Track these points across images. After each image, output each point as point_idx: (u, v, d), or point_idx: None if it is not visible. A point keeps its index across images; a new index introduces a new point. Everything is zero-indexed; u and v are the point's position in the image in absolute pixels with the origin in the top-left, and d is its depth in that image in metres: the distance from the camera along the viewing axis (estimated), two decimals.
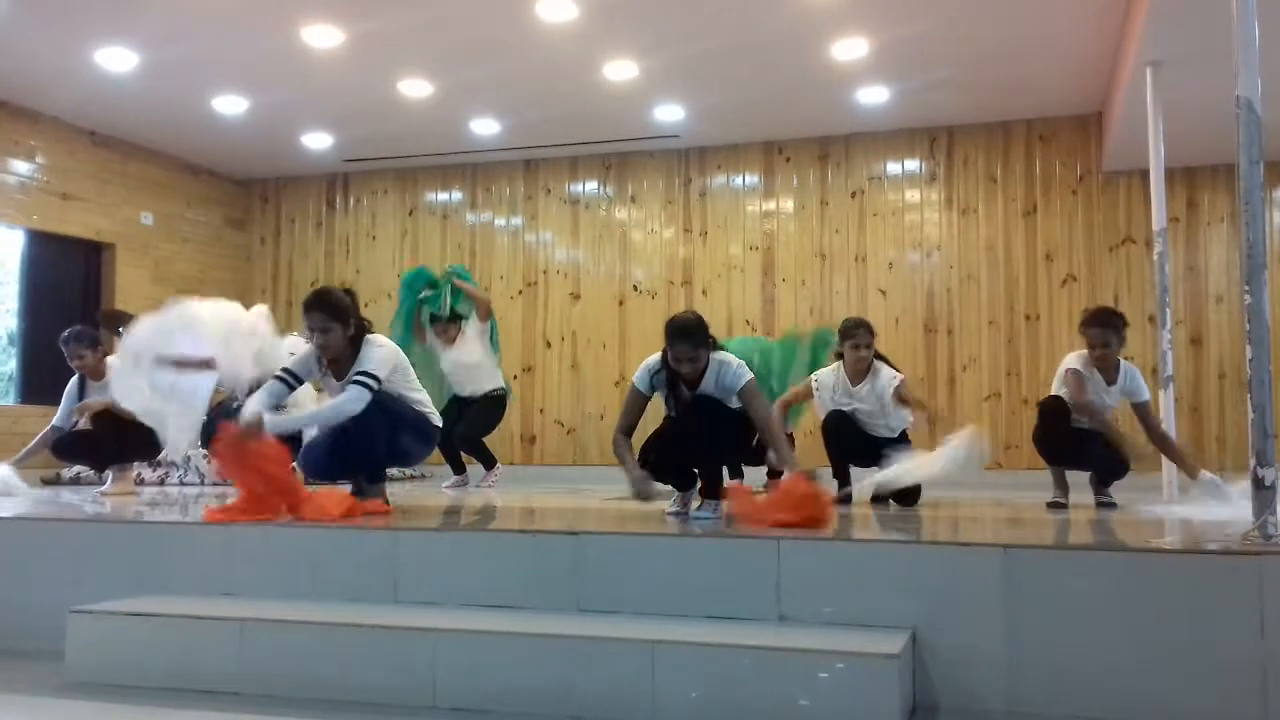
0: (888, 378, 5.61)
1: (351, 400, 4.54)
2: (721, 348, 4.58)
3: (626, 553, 3.69)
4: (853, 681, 2.97)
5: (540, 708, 3.18)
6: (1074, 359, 5.42)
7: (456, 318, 7.60)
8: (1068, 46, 7.64)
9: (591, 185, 10.47)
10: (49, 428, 6.49)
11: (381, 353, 4.68)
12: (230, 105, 8.98)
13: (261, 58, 7.96)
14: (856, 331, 5.63)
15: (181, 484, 7.90)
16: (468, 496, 6.63)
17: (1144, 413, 5.49)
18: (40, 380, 9.15)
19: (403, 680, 3.32)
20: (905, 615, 3.32)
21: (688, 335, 4.42)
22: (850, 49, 7.71)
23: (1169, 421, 6.26)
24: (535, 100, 8.91)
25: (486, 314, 7.53)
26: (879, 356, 5.71)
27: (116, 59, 7.89)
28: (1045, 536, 4.02)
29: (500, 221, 10.74)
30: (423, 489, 7.70)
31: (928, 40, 7.53)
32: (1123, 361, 5.46)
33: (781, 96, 8.72)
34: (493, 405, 7.52)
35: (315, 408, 4.78)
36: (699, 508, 4.54)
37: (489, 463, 7.68)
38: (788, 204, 9.88)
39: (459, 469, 7.66)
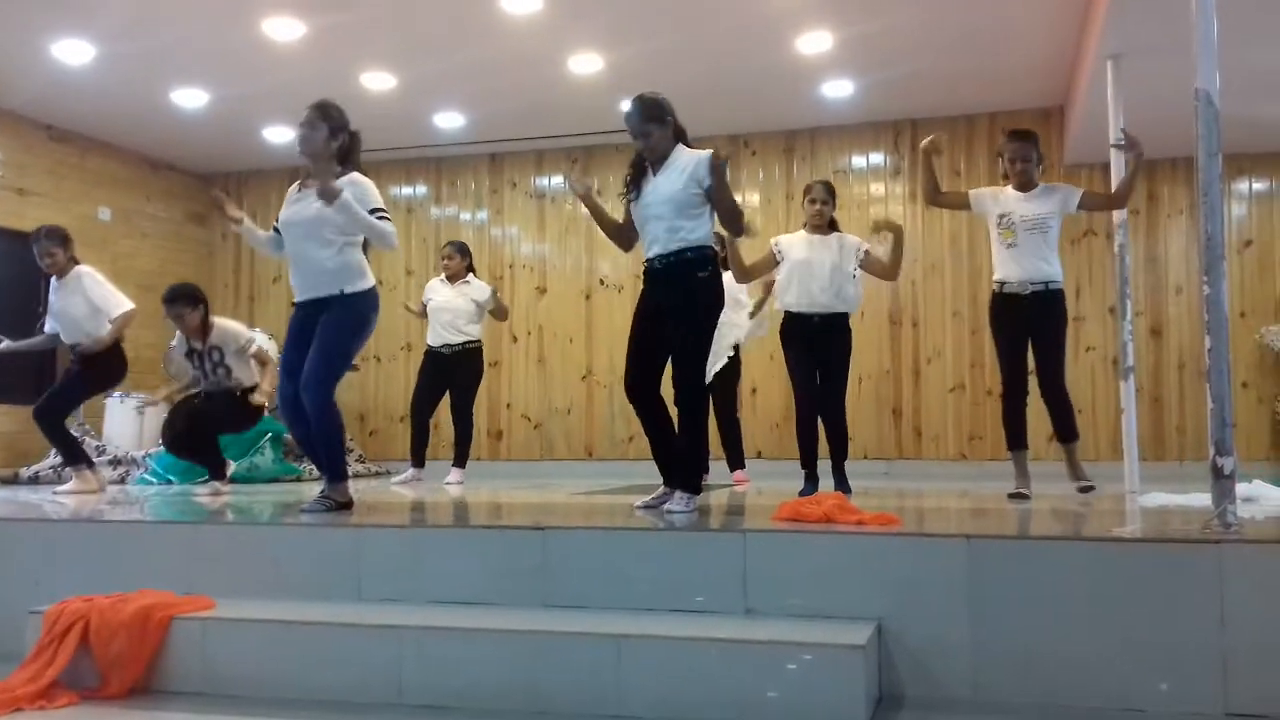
0: (855, 240, 5.83)
1: (390, 232, 4.75)
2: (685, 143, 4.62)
3: (592, 548, 3.68)
4: (820, 673, 2.97)
5: (507, 704, 3.17)
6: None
7: (467, 252, 7.80)
8: (1029, 40, 7.69)
9: (557, 179, 10.44)
10: (44, 335, 6.61)
11: (373, 188, 4.79)
12: (190, 98, 8.86)
13: (222, 50, 7.86)
14: (813, 188, 5.89)
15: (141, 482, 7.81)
16: (432, 493, 6.59)
17: (1091, 198, 5.67)
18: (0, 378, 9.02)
19: (368, 678, 3.30)
20: (871, 607, 3.33)
21: (639, 108, 4.56)
22: (815, 42, 7.73)
23: (1129, 411, 6.33)
24: (500, 93, 8.86)
25: (502, 318, 8.02)
26: (836, 229, 5.87)
27: (74, 51, 7.76)
28: (1008, 527, 4.05)
29: (465, 215, 10.69)
30: (385, 484, 7.66)
31: (891, 34, 7.56)
32: (1042, 183, 5.63)
33: (746, 90, 8.73)
34: (473, 361, 7.70)
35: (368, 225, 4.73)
36: (673, 501, 4.47)
37: (462, 459, 7.67)
38: (753, 197, 9.89)
39: (419, 462, 7.64)
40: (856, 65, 8.24)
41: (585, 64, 8.13)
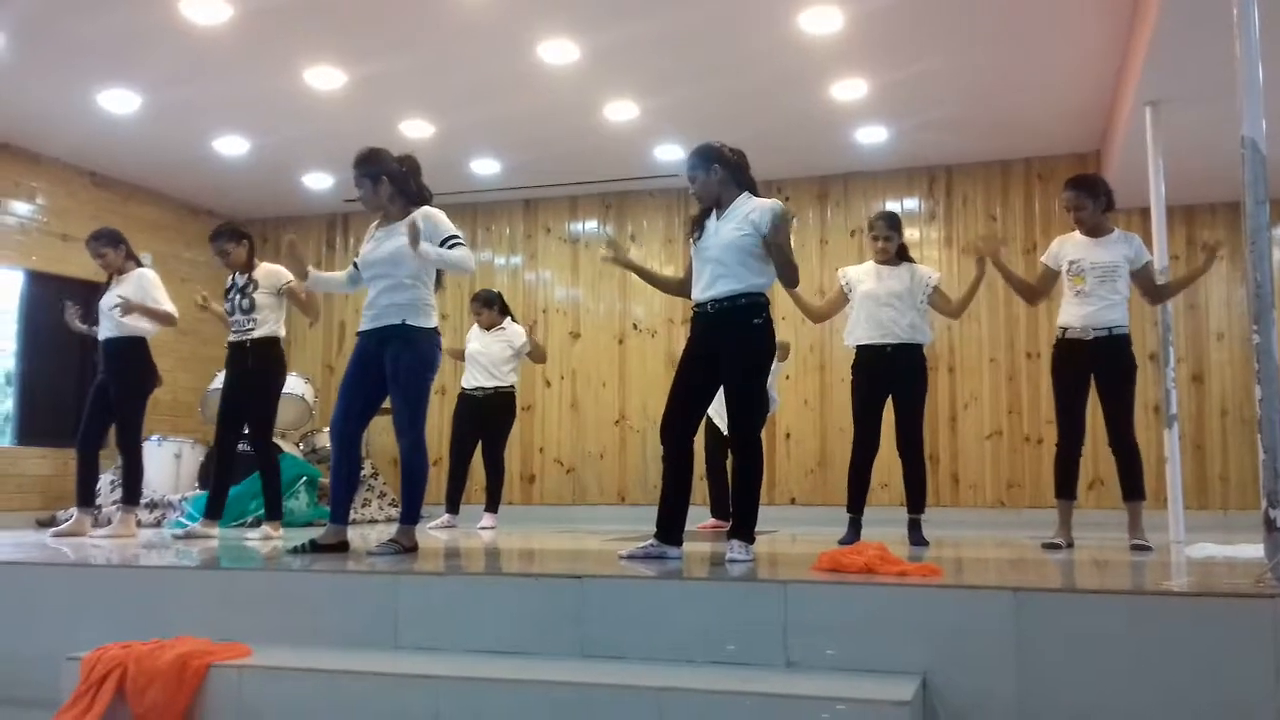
0: (927, 271, 5.75)
1: (465, 257, 4.94)
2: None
3: (631, 597, 3.64)
4: None
5: None
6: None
7: (494, 302, 7.93)
8: (1066, 86, 7.67)
9: (591, 224, 10.49)
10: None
11: (443, 218, 4.99)
12: (231, 146, 9.00)
13: (263, 99, 7.99)
14: (875, 224, 5.79)
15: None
16: (467, 539, 6.57)
17: (1145, 276, 5.54)
18: (38, 421, 9.10)
19: None
20: (915, 660, 3.27)
21: (690, 153, 4.65)
22: (849, 90, 7.75)
23: (1173, 459, 6.24)
24: (536, 140, 8.94)
25: (540, 359, 8.08)
26: (908, 258, 5.79)
27: (119, 101, 7.91)
28: (1054, 579, 3.97)
29: (500, 260, 10.75)
30: (419, 529, 7.63)
31: (926, 81, 7.56)
32: (1118, 229, 5.55)
33: (781, 136, 8.75)
34: (504, 406, 7.75)
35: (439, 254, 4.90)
36: (733, 550, 4.37)
37: (495, 503, 7.68)
38: None
39: (454, 508, 7.65)
40: (891, 112, 8.25)
41: (620, 111, 8.19)
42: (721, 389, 4.54)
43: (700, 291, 4.55)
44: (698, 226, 4.64)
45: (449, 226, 4.97)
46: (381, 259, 4.92)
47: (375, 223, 5.12)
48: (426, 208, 5.00)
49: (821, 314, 5.95)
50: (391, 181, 5.01)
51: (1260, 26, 3.59)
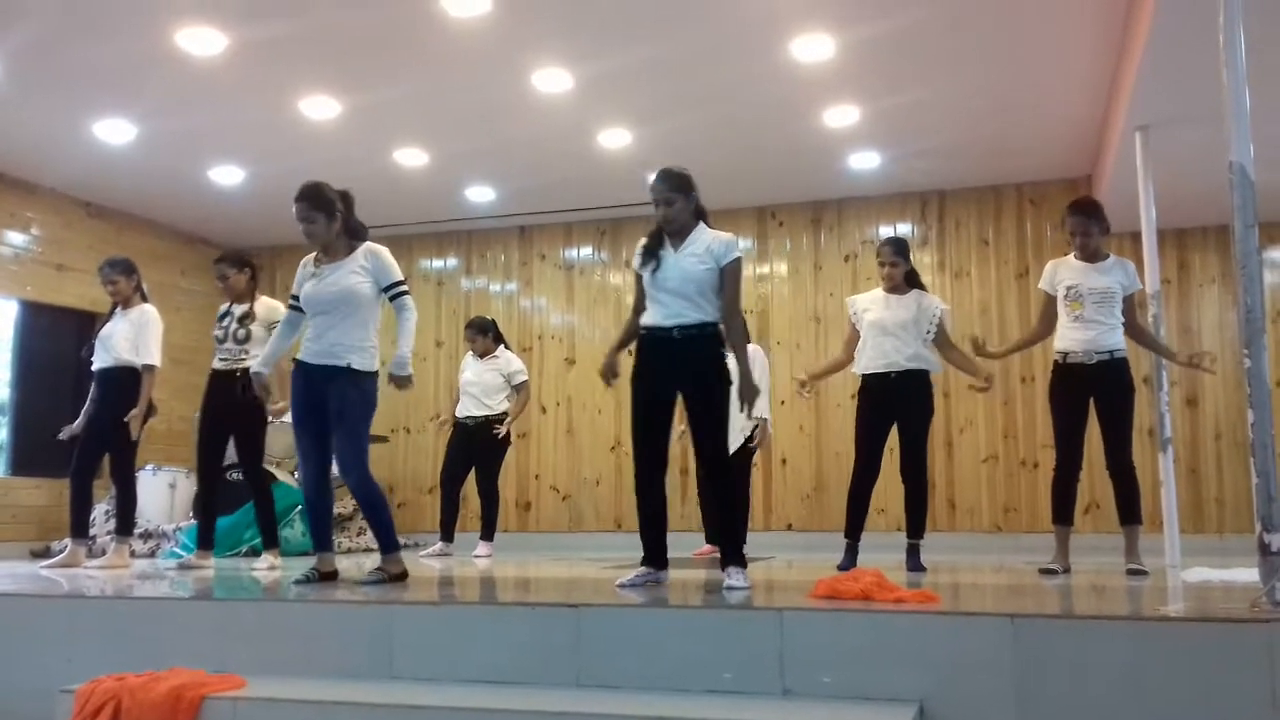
0: (934, 302, 5.73)
1: (410, 313, 4.93)
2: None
3: (627, 626, 3.62)
4: None
5: None
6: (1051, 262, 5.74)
7: (488, 330, 7.89)
8: (1057, 111, 7.73)
9: (586, 250, 10.52)
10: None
11: (390, 260, 4.95)
12: (227, 175, 9.03)
13: (259, 129, 8.02)
14: (882, 250, 5.82)
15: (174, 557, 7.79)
16: (461, 567, 6.54)
17: (1131, 307, 5.53)
18: (31, 451, 9.07)
19: None
20: (913, 687, 3.25)
21: (666, 176, 4.56)
22: (842, 116, 7.80)
23: (1168, 483, 6.24)
24: (530, 168, 8.98)
25: (524, 403, 8.02)
26: (919, 285, 5.79)
27: (115, 131, 7.94)
28: (1052, 605, 3.96)
29: (495, 287, 10.77)
30: (412, 557, 7.61)
31: (918, 107, 7.62)
32: (1113, 254, 5.58)
33: (774, 162, 8.80)
34: (496, 433, 7.67)
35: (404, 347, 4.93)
36: (730, 576, 4.35)
37: (490, 531, 7.66)
38: (781, 267, 9.92)
39: (448, 535, 7.62)
40: (884, 137, 8.30)
41: (614, 139, 8.23)
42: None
43: (662, 318, 4.51)
44: (652, 256, 4.57)
45: (396, 270, 4.95)
46: (331, 298, 4.85)
47: (313, 256, 5.01)
48: (372, 244, 4.97)
49: (845, 361, 5.94)
50: (341, 216, 4.96)
51: (1247, 52, 3.63)
